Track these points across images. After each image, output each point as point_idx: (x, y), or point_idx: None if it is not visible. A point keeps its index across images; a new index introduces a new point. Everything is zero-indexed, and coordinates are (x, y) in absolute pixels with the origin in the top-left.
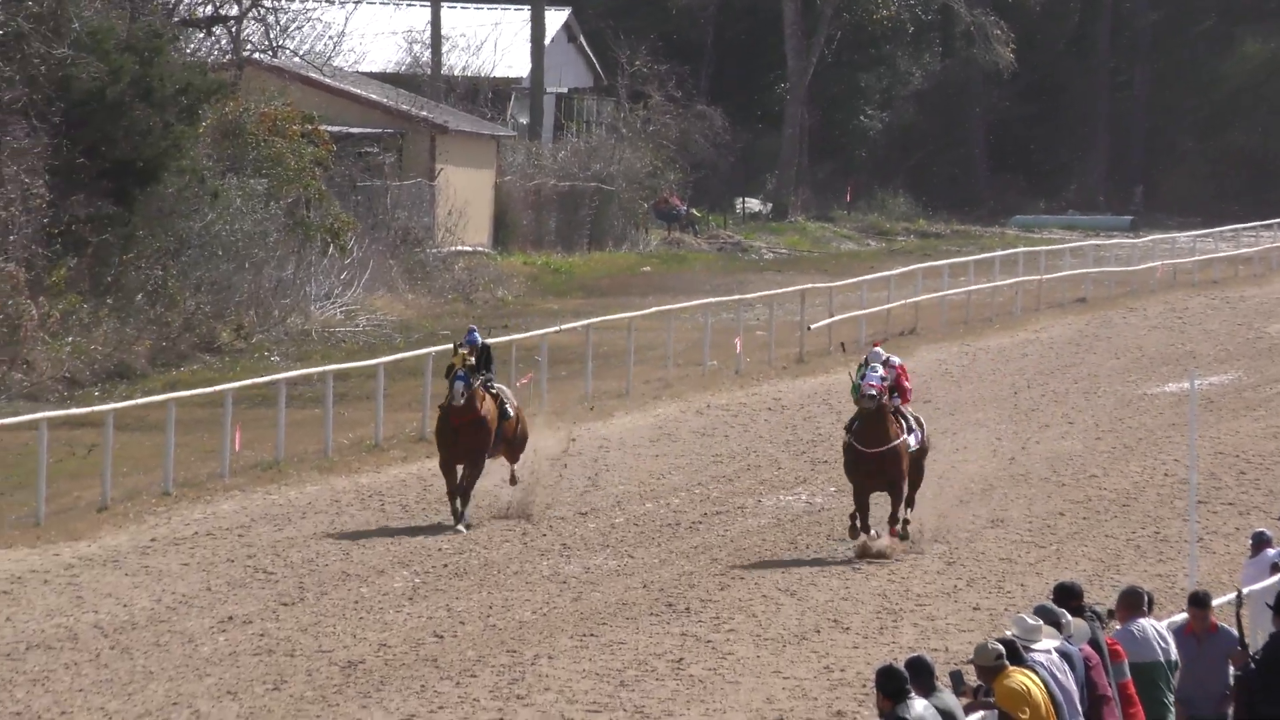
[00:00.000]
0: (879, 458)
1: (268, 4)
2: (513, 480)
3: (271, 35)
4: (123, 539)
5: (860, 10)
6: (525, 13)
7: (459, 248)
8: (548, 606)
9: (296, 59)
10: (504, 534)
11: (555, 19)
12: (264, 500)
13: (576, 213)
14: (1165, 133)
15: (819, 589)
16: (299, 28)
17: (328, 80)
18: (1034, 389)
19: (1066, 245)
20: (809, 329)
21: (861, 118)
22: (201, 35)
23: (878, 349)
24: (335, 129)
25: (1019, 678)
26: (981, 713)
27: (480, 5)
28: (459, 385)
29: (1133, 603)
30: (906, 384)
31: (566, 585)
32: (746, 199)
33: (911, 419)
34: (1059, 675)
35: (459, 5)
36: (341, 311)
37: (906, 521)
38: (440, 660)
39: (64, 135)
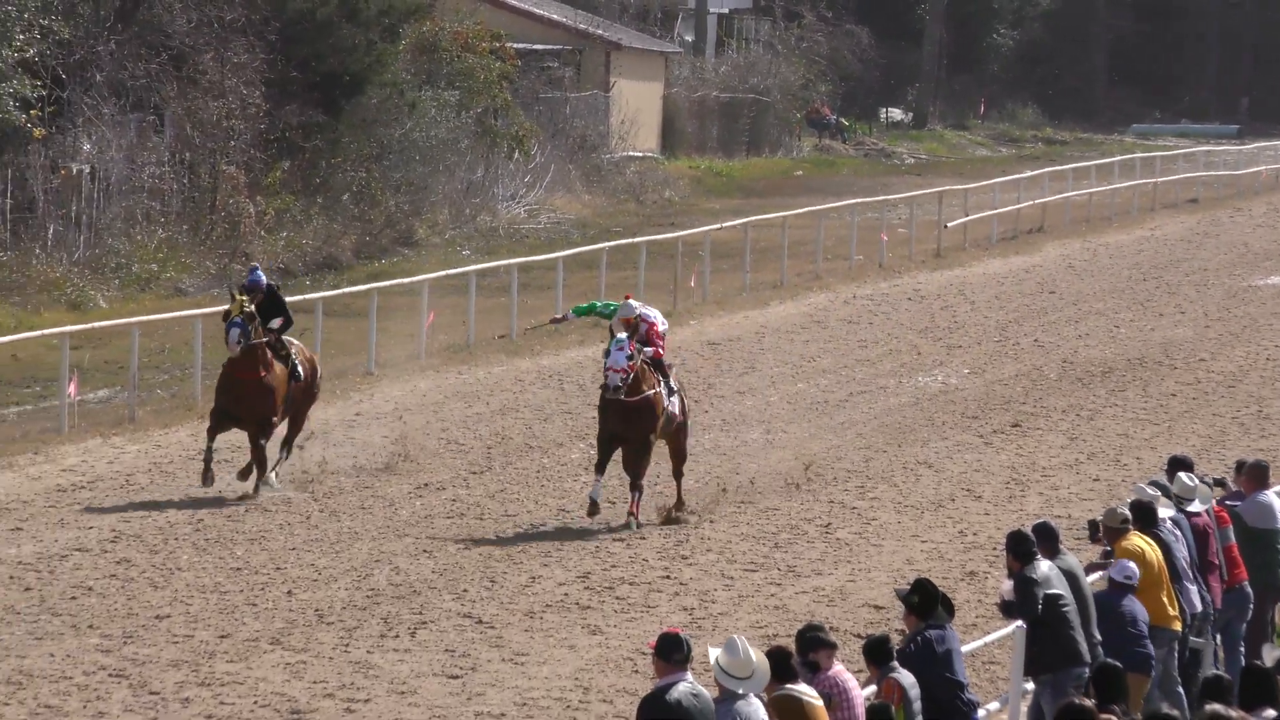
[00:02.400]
0: (631, 406)
1: None
2: (284, 451)
3: None
4: (330, 414)
5: None
6: None
7: (630, 153)
8: (709, 475)
9: None
10: None
11: None
12: (456, 379)
13: (736, 121)
14: (1272, 48)
15: (954, 462)
16: None
17: (514, 1)
18: (1149, 281)
19: (1179, 151)
20: (946, 226)
21: (994, 35)
22: None
23: (630, 302)
24: (520, 46)
25: (1136, 540)
26: (1100, 573)
27: None
28: (234, 333)
29: (1259, 476)
30: (659, 341)
31: (726, 456)
32: (890, 109)
33: (673, 382)
34: (1172, 540)
35: None
36: (525, 210)
37: (637, 492)
38: (613, 523)
39: (278, 51)
